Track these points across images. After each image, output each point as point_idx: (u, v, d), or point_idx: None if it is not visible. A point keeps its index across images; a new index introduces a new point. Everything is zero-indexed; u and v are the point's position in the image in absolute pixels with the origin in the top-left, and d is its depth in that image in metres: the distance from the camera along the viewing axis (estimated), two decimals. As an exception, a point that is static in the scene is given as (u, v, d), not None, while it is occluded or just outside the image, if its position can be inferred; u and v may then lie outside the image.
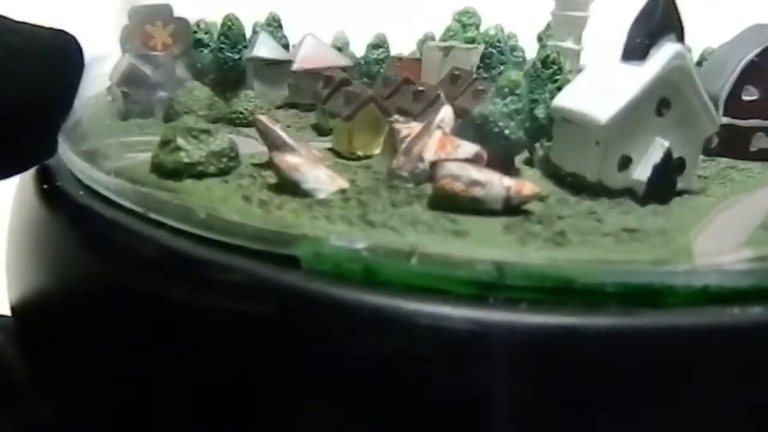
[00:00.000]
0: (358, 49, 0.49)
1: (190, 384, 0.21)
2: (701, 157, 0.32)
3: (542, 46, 0.58)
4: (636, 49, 0.25)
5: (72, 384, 0.26)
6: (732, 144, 0.32)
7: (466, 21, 0.50)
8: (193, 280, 0.21)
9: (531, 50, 0.58)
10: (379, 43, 0.45)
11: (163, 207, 0.23)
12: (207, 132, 0.25)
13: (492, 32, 0.53)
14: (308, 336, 0.20)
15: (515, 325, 0.19)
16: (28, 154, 0.28)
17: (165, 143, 0.25)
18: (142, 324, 0.22)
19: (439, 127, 0.26)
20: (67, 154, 0.29)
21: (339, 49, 0.44)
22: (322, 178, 0.23)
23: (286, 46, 0.49)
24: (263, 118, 0.26)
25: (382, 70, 0.45)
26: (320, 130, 0.34)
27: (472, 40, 0.55)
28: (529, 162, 0.30)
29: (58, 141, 0.29)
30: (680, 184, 0.26)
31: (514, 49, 0.55)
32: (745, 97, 0.32)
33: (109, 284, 0.23)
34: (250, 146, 0.29)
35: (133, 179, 0.25)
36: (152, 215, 0.23)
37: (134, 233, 0.23)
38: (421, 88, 0.31)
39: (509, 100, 0.27)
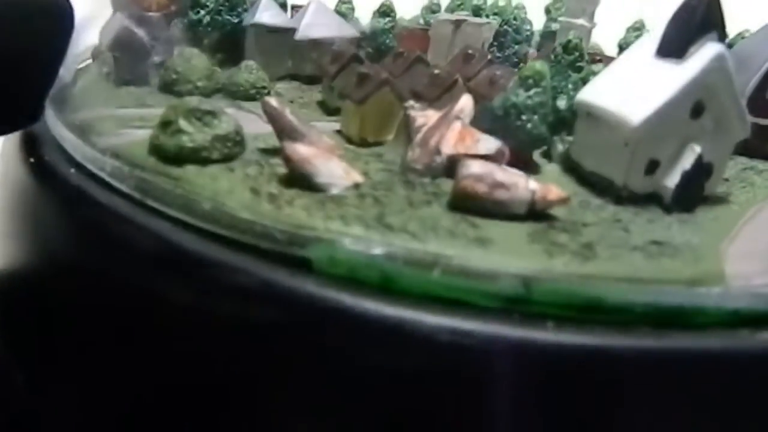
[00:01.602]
0: (364, 12, 0.46)
1: (182, 391, 0.20)
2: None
3: (550, 19, 0.56)
4: (674, 46, 0.23)
5: (52, 371, 0.25)
6: (753, 143, 0.31)
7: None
8: (195, 279, 0.20)
9: (538, 23, 0.56)
10: (386, 11, 0.42)
11: (164, 196, 0.22)
12: (211, 114, 0.23)
13: (501, 2, 0.52)
14: (319, 347, 0.19)
15: (543, 344, 0.18)
16: (11, 116, 0.26)
17: (166, 124, 0.23)
18: (137, 322, 0.21)
19: (458, 117, 0.25)
20: (56, 125, 0.27)
21: (344, 16, 0.42)
22: (336, 171, 0.22)
23: (283, 5, 0.47)
24: (272, 101, 0.24)
25: (389, 41, 0.42)
26: (327, 108, 0.32)
27: (479, 9, 0.53)
28: (546, 155, 0.28)
29: (44, 106, 0.27)
30: (707, 190, 0.25)
31: (522, 22, 0.53)
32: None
33: (103, 276, 0.22)
34: (253, 124, 0.28)
35: (130, 161, 0.23)
36: (151, 203, 0.22)
37: (131, 222, 0.21)
38: (437, 71, 0.29)
39: (533, 92, 0.25)
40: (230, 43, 0.37)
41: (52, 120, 0.27)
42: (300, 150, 0.22)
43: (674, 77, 0.23)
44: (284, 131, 0.24)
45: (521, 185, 0.22)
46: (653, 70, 0.24)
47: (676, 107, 0.23)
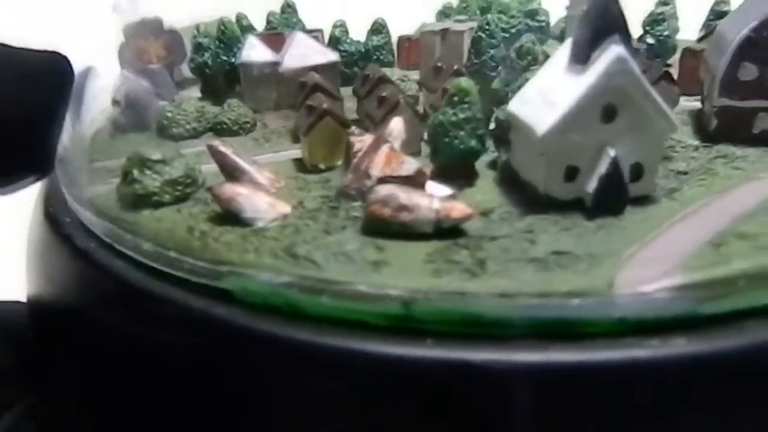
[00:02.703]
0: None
1: (130, 407, 0.24)
2: (695, 143, 0.30)
3: (568, 7, 0.55)
4: (579, 52, 0.23)
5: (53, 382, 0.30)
6: (732, 127, 0.30)
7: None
8: (139, 312, 0.23)
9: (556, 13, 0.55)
10: (379, 29, 0.44)
11: (121, 239, 0.25)
12: (162, 162, 0.26)
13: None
14: (237, 369, 0.21)
15: (421, 360, 0.19)
16: (23, 170, 0.30)
17: (125, 175, 0.26)
18: (104, 351, 0.25)
19: (386, 141, 0.26)
20: (59, 179, 0.31)
21: (338, 39, 0.44)
22: (261, 206, 0.24)
23: (303, 30, 0.50)
24: (216, 143, 0.27)
25: (382, 57, 0.44)
26: (298, 137, 0.34)
27: (488, 6, 0.53)
28: (494, 165, 0.29)
29: (53, 159, 0.31)
30: (639, 191, 0.24)
31: (536, 13, 0.52)
32: (743, 77, 0.29)
33: (80, 310, 0.26)
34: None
35: (100, 210, 0.27)
36: (116, 246, 0.25)
37: (99, 264, 0.25)
38: (384, 94, 0.30)
39: (459, 108, 0.26)
40: (234, 80, 0.41)
41: (57, 177, 0.31)
42: (226, 189, 0.24)
43: (578, 84, 0.23)
44: (227, 170, 0.27)
45: (424, 206, 0.23)
46: (564, 78, 0.24)
47: (583, 113, 0.23)
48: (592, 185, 0.23)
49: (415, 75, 0.42)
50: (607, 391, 0.19)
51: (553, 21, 0.54)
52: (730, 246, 0.21)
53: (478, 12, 0.51)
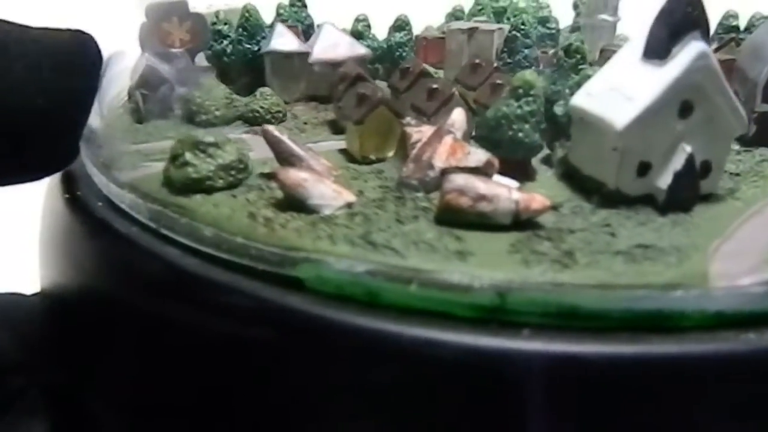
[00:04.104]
0: (382, 27, 0.47)
1: (188, 404, 0.22)
2: (736, 148, 0.31)
3: (578, 15, 0.56)
4: (658, 47, 0.23)
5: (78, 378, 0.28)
6: (769, 133, 0.30)
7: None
8: (198, 300, 0.22)
9: (565, 20, 0.56)
10: (402, 25, 0.43)
11: (173, 224, 0.24)
12: (215, 145, 0.25)
13: (522, 4, 0.51)
14: (310, 360, 0.20)
15: (515, 352, 0.19)
16: (49, 160, 0.29)
17: (174, 157, 0.25)
18: (148, 342, 0.23)
19: (449, 131, 0.26)
20: (87, 163, 0.29)
21: (360, 33, 0.43)
22: (327, 193, 0.23)
23: (310, 26, 0.49)
24: (271, 128, 0.26)
25: (405, 54, 0.43)
26: (336, 127, 0.33)
27: (503, 10, 0.53)
28: (547, 161, 0.29)
29: (78, 146, 0.30)
30: (705, 188, 0.24)
31: (546, 20, 0.53)
32: (786, 84, 0.29)
33: (120, 300, 0.24)
34: (264, 148, 0.29)
35: (145, 194, 0.25)
36: (164, 231, 0.24)
37: (145, 250, 0.24)
38: (435, 86, 0.30)
39: (524, 101, 0.26)
40: (252, 69, 0.40)
41: (85, 159, 0.29)
42: (291, 175, 0.23)
43: (658, 79, 0.23)
44: (283, 156, 0.26)
45: (504, 196, 0.22)
46: (639, 72, 0.24)
47: (662, 109, 0.23)
48: (665, 181, 0.23)
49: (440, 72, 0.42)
50: (706, 384, 0.19)
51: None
52: (809, 243, 0.21)
53: (492, 16, 0.51)
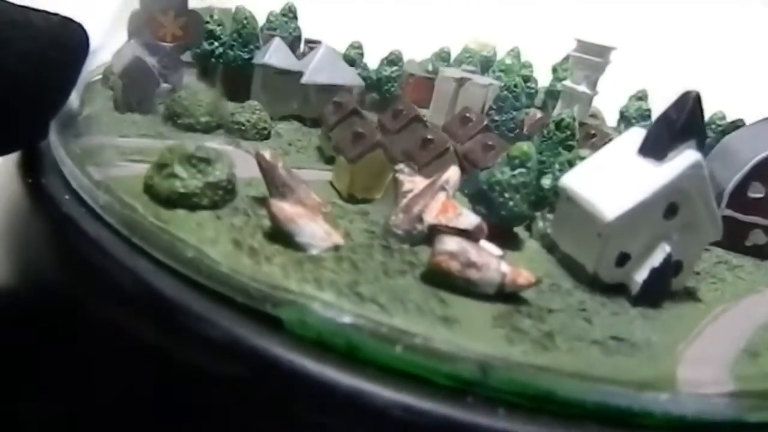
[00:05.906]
0: (373, 53, 0.47)
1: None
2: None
3: (556, 78, 0.57)
4: (656, 148, 0.24)
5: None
6: (729, 236, 0.32)
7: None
8: (167, 324, 0.21)
9: (544, 79, 0.57)
10: (394, 60, 0.44)
11: (150, 237, 0.22)
12: (206, 161, 0.24)
13: (508, 61, 0.53)
14: (277, 407, 0.20)
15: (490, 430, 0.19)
16: (20, 134, 0.27)
17: (161, 166, 0.24)
18: (104, 360, 0.22)
19: (443, 188, 0.26)
20: (57, 148, 0.27)
21: (353, 60, 0.43)
22: (318, 233, 0.23)
23: (298, 38, 0.48)
24: (266, 154, 0.25)
25: (394, 90, 0.44)
26: (322, 155, 0.33)
27: (488, 62, 0.54)
28: (528, 228, 0.29)
29: (48, 128, 0.28)
30: (674, 287, 0.26)
31: (527, 80, 0.54)
32: (751, 194, 0.31)
33: (79, 309, 0.22)
34: (247, 166, 0.28)
35: (122, 199, 0.24)
36: (138, 242, 0.23)
37: (115, 259, 0.22)
38: (430, 137, 0.30)
39: (518, 172, 0.26)
40: (237, 77, 0.39)
41: (54, 142, 0.28)
42: (285, 209, 0.22)
43: (652, 178, 0.24)
44: (274, 185, 0.25)
45: (493, 266, 0.22)
46: (634, 167, 0.25)
47: (651, 207, 0.24)
48: (642, 275, 0.24)
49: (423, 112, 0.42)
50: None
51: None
52: (764, 357, 0.23)
53: (478, 66, 0.52)
